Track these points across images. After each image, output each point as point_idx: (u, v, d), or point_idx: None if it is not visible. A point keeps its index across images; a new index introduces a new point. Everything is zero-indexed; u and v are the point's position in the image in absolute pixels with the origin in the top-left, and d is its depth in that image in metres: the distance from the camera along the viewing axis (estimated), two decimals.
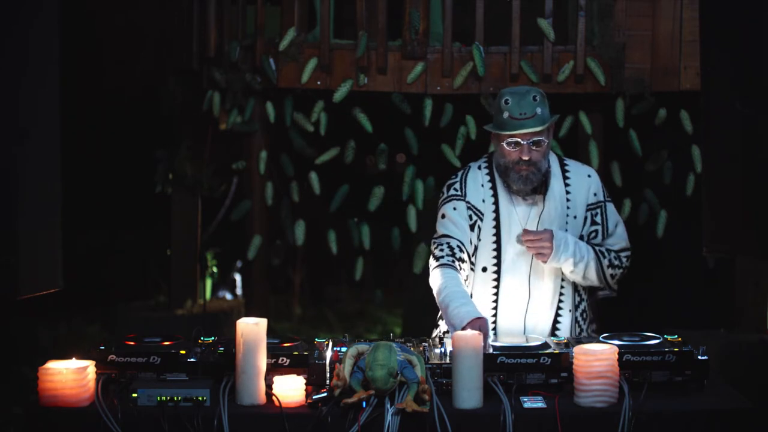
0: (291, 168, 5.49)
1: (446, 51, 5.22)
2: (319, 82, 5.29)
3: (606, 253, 3.78)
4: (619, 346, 3.22)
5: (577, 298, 3.83)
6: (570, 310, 3.80)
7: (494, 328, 3.75)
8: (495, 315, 3.76)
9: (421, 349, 3.33)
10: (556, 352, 3.22)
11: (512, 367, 3.20)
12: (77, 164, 5.16)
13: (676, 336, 3.38)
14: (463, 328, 3.39)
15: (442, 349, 3.32)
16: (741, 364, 5.10)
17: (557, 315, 3.78)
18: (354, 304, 9.45)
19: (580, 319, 3.83)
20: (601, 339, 3.37)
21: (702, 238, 3.22)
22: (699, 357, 3.24)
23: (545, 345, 3.30)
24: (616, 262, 3.80)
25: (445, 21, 5.25)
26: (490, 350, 3.26)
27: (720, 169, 3.13)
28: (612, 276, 3.80)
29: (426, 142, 5.38)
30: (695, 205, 3.82)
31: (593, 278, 3.77)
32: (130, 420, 3.03)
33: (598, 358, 3.10)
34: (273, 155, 5.52)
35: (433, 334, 3.86)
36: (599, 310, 4.06)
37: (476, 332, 3.15)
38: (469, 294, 3.75)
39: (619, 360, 3.14)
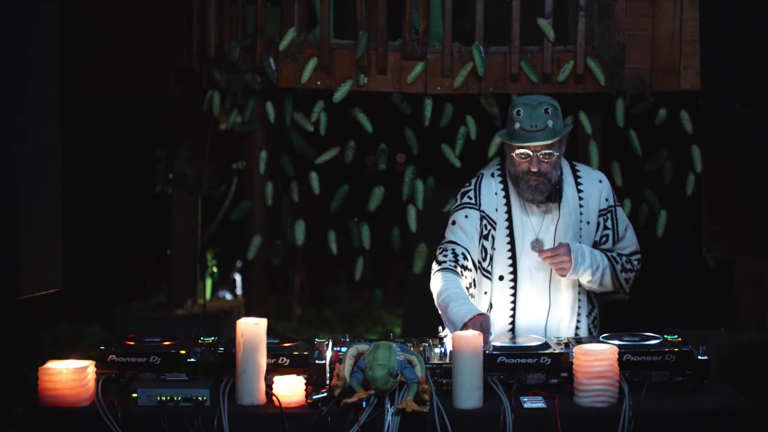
0: (291, 168, 5.48)
1: (446, 51, 5.22)
2: (319, 82, 5.29)
3: (618, 258, 3.80)
4: (619, 346, 3.22)
5: (590, 306, 3.86)
6: (586, 316, 3.83)
7: (512, 337, 3.74)
8: (513, 323, 3.76)
9: (421, 349, 3.33)
10: (556, 352, 3.22)
11: (512, 367, 3.20)
12: (77, 164, 5.16)
13: (676, 336, 3.38)
14: (465, 325, 3.38)
15: (442, 349, 3.32)
16: (741, 364, 5.09)
17: (577, 323, 3.80)
18: (354, 304, 9.45)
19: (591, 327, 3.85)
20: (601, 339, 3.37)
21: (702, 238, 3.21)
22: (699, 357, 3.24)
23: (545, 345, 3.30)
24: (628, 266, 3.82)
25: (445, 21, 5.24)
26: (491, 347, 3.26)
27: (720, 169, 3.13)
28: (626, 280, 3.82)
29: (426, 142, 5.37)
30: (695, 205, 3.82)
31: (609, 285, 3.78)
32: (130, 420, 3.03)
33: (598, 358, 3.10)
34: (273, 155, 5.51)
35: (441, 333, 3.87)
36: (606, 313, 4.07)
37: (476, 332, 3.15)
38: (488, 302, 3.76)
39: (619, 360, 3.14)
